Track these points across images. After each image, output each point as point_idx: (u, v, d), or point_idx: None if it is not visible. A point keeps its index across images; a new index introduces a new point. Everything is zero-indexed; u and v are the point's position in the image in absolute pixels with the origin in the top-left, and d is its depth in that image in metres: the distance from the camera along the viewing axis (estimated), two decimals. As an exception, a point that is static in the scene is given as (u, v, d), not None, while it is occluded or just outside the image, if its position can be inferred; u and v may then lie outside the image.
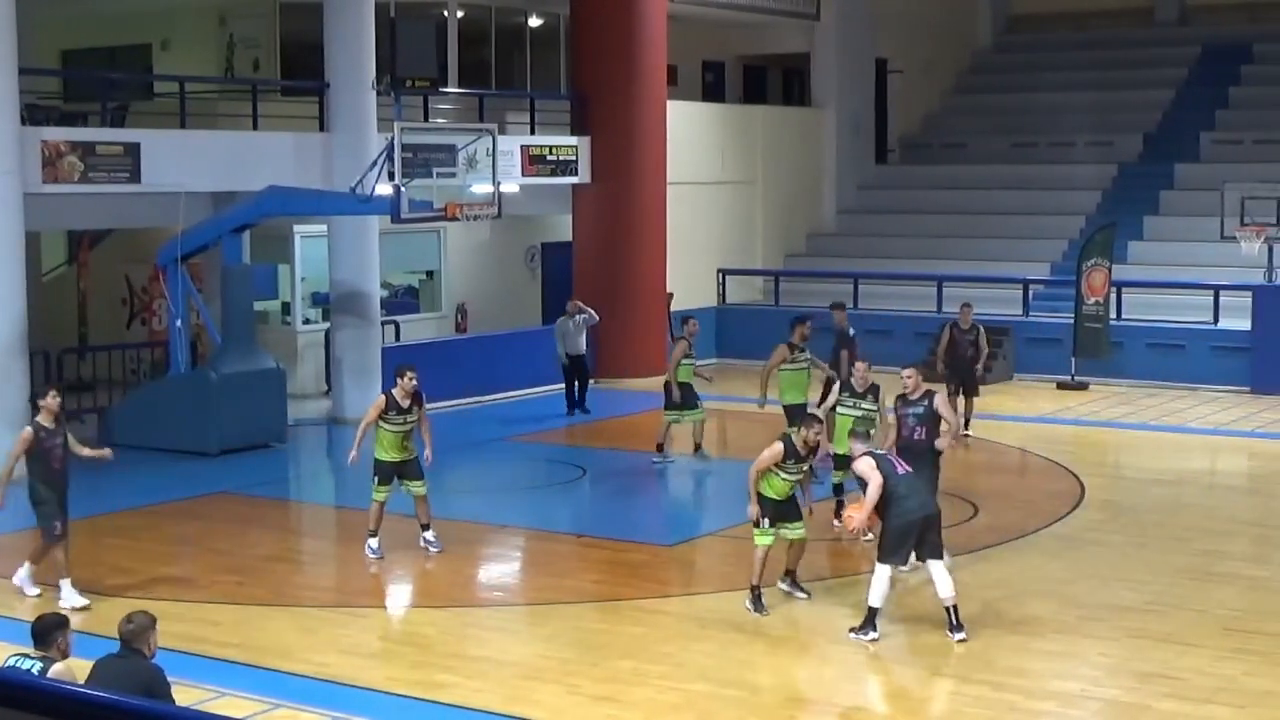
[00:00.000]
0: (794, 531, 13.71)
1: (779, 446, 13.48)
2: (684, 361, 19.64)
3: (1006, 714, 11.05)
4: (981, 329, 21.72)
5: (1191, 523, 16.94)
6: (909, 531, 12.60)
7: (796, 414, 16.99)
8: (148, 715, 4.36)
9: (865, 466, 12.72)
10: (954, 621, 12.62)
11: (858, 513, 12.80)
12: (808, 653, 12.56)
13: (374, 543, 15.59)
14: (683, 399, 19.63)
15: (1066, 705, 11.33)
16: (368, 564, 15.52)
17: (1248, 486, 20.19)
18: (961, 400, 21.19)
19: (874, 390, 15.50)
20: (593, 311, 23.89)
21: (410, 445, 15.55)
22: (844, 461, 15.07)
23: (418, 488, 15.60)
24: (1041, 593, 14.10)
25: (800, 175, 32.61)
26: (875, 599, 12.64)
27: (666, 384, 19.83)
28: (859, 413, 15.17)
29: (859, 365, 15.77)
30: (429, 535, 15.70)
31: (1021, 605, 13.91)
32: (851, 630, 12.74)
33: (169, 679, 9.02)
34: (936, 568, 12.69)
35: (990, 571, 14.67)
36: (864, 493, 12.71)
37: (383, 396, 15.57)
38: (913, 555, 12.93)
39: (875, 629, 12.64)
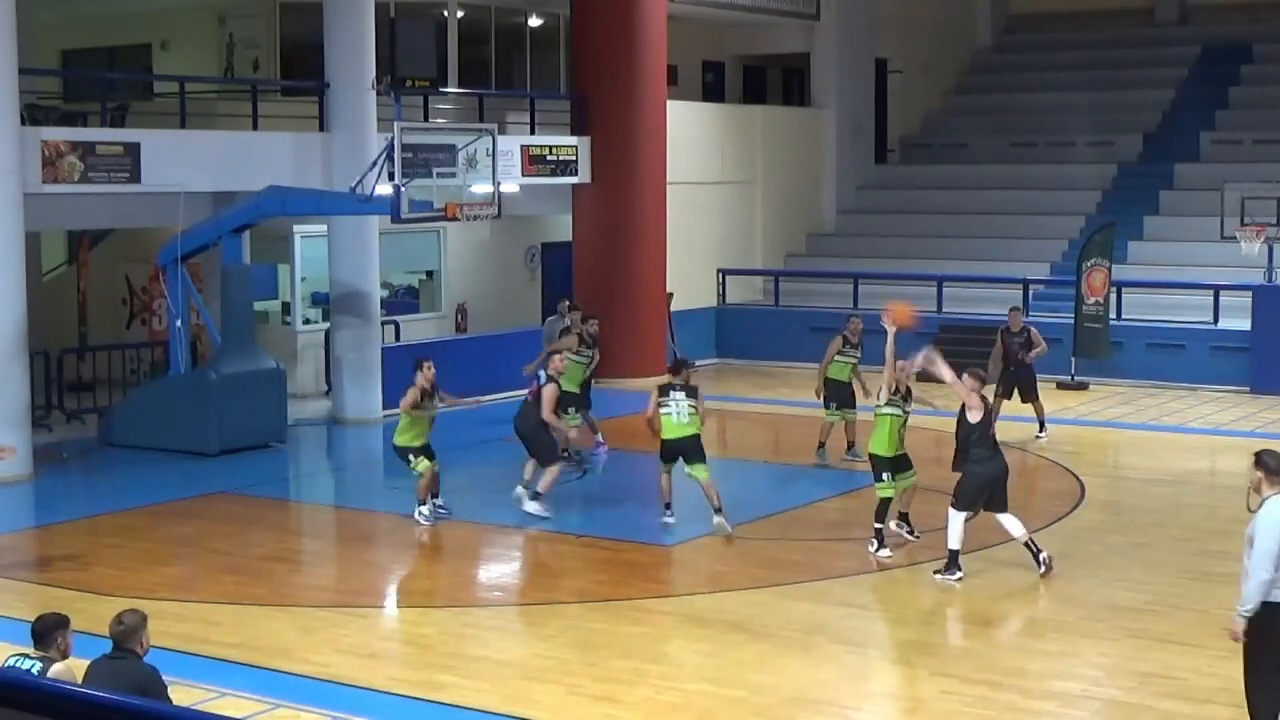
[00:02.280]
0: None
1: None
2: (838, 358, 19.47)
3: (1006, 714, 11.05)
4: (1032, 330, 21.61)
5: (1191, 523, 16.94)
6: (984, 487, 14.37)
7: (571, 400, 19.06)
8: (148, 715, 4.36)
9: (968, 392, 14.45)
10: (1035, 550, 14.44)
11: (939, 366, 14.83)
12: (807, 653, 12.56)
13: (425, 509, 16.72)
14: (832, 397, 19.49)
15: (1066, 705, 11.33)
16: (419, 531, 16.49)
17: (1247, 486, 20.16)
18: (1011, 406, 21.61)
19: (909, 391, 15.65)
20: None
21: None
22: (882, 462, 15.39)
23: (436, 465, 16.90)
24: (1041, 593, 14.11)
25: (800, 175, 32.61)
26: (953, 542, 14.24)
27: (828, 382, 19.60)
28: (906, 415, 15.56)
29: (902, 364, 15.56)
30: (439, 501, 16.91)
31: (1021, 605, 13.93)
32: (936, 573, 14.30)
33: (169, 679, 9.02)
34: (1004, 518, 14.49)
35: (990, 571, 14.67)
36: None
37: (418, 388, 16.71)
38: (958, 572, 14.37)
39: (959, 568, 14.20)
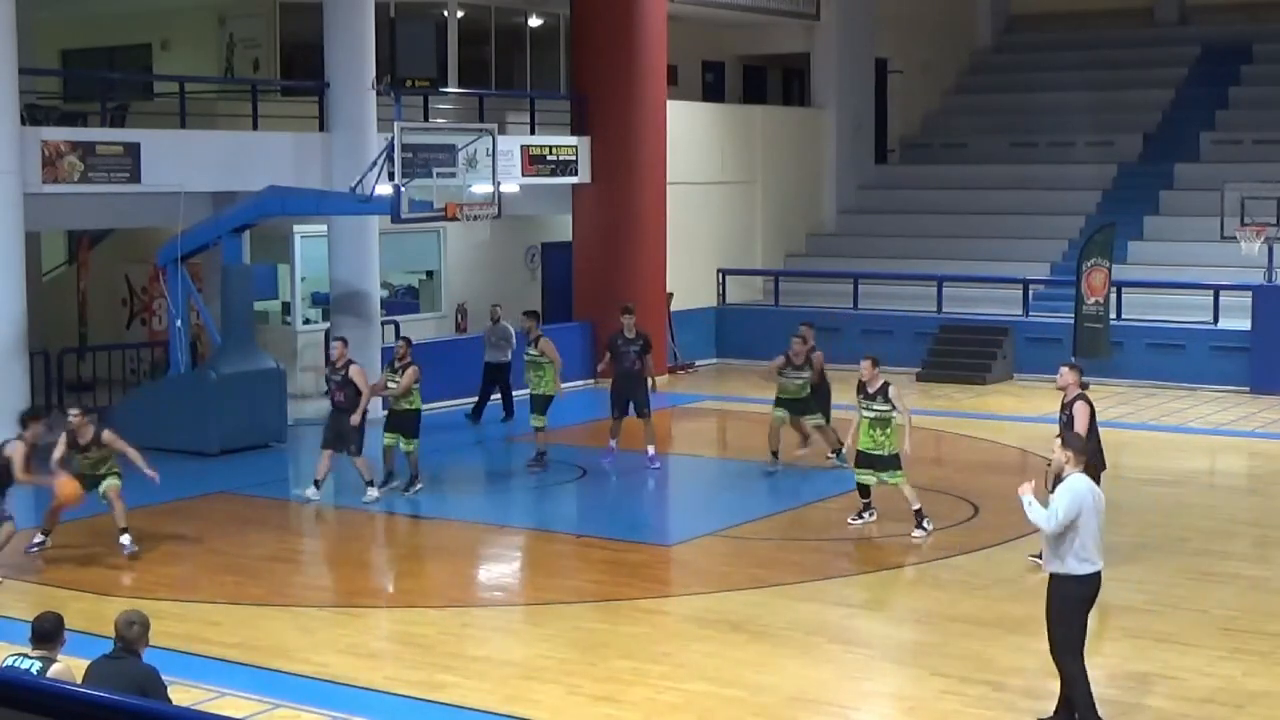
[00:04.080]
0: None
1: None
2: (780, 378, 19.18)
3: (1006, 714, 11.05)
4: (815, 356, 19.33)
5: (1191, 523, 16.95)
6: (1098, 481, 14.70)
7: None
8: (148, 715, 4.37)
9: (1083, 416, 14.51)
10: None
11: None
12: (807, 653, 12.56)
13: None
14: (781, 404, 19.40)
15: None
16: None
17: (1247, 486, 20.19)
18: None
19: (884, 390, 16.04)
20: (514, 338, 23.03)
21: None
22: (865, 460, 16.04)
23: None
24: (1041, 593, 14.06)
25: (800, 175, 32.61)
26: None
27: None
28: (872, 414, 16.02)
29: (863, 364, 16.30)
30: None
31: (1022, 605, 13.90)
32: (1033, 555, 14.25)
33: (169, 679, 9.02)
34: None
35: (990, 571, 14.68)
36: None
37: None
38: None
39: None
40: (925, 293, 28.56)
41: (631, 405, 19.70)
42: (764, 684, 11.76)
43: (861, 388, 16.19)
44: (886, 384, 16.12)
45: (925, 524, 16.00)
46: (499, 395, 23.33)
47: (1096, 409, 15.05)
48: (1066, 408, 14.73)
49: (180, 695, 10.24)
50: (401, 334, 20.54)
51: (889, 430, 15.98)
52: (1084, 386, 19.46)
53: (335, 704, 11.27)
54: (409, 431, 18.27)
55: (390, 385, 18.39)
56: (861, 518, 16.46)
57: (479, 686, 11.70)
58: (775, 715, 11.20)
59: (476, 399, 23.36)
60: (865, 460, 16.18)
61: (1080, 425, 14.45)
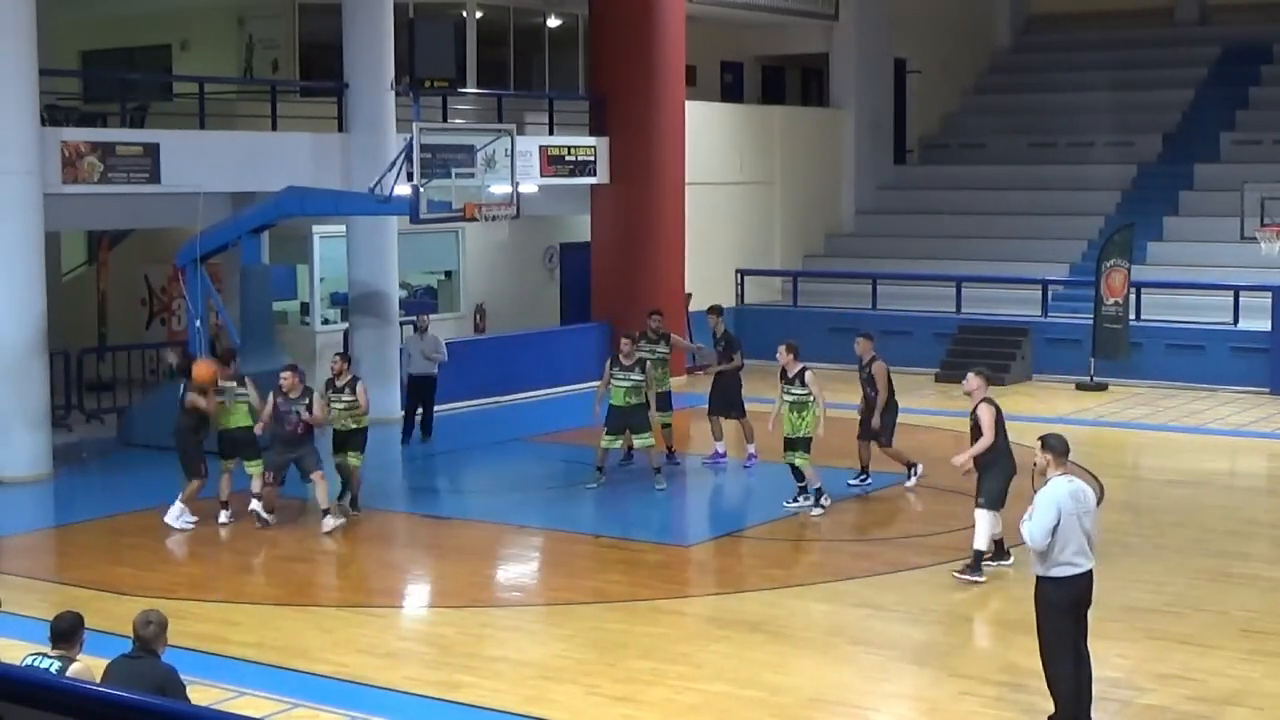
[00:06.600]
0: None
1: None
2: (614, 382, 18.67)
3: (1024, 715, 11.02)
4: (875, 365, 18.36)
5: (1210, 524, 16.90)
6: (1008, 485, 14.59)
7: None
8: (167, 715, 4.37)
9: (988, 418, 14.47)
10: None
11: (962, 455, 14.82)
12: (826, 654, 12.55)
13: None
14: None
15: (1085, 707, 11.30)
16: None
17: (1267, 488, 20.13)
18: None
19: (800, 375, 16.97)
20: (444, 349, 22.16)
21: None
22: (789, 443, 17.06)
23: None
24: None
25: (819, 176, 32.59)
26: (981, 543, 14.38)
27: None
28: (791, 398, 17.00)
29: (781, 350, 17.23)
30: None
31: (1040, 606, 13.88)
32: (957, 573, 14.40)
33: (188, 678, 9.04)
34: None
35: (1009, 572, 14.64)
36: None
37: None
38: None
39: (982, 571, 14.37)
40: (944, 293, 28.53)
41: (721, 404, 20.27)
42: (782, 684, 11.75)
43: (783, 373, 17.13)
44: (804, 369, 17.05)
45: (824, 501, 17.08)
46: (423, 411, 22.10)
47: (1004, 411, 15.00)
48: (974, 413, 14.65)
49: (199, 695, 10.26)
50: (338, 350, 19.58)
51: (805, 414, 16.96)
52: (1103, 389, 19.48)
53: (354, 704, 11.29)
54: (356, 447, 17.44)
55: (336, 407, 17.31)
56: (797, 500, 17.26)
57: (497, 687, 11.71)
58: (794, 716, 11.20)
59: (405, 415, 22.12)
60: (789, 444, 17.13)
61: (986, 429, 14.46)
